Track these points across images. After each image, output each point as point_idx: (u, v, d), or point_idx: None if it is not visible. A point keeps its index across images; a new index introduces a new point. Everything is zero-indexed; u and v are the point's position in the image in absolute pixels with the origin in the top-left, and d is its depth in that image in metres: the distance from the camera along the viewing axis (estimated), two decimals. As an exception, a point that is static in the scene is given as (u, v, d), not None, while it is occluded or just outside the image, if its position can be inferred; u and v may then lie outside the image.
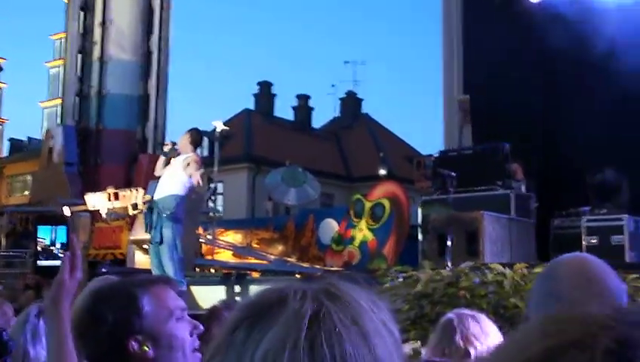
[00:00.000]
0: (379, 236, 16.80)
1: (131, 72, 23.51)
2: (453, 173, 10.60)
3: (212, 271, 15.40)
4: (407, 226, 16.62)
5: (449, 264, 8.33)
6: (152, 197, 9.29)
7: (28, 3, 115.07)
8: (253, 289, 10.06)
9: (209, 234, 18.51)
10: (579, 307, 1.55)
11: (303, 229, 20.08)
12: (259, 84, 39.56)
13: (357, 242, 17.06)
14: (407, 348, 5.87)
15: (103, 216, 18.17)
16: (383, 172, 28.01)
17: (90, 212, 18.38)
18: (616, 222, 10.44)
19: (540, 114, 13.03)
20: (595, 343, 0.61)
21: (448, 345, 2.86)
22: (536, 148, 12.50)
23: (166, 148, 9.51)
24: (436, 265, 8.02)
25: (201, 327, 2.02)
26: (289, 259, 18.18)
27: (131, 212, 16.94)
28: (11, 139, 45.35)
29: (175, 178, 8.92)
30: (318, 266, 16.39)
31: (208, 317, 3.40)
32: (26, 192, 25.96)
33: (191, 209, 10.88)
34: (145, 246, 13.03)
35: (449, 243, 9.73)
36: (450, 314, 3.04)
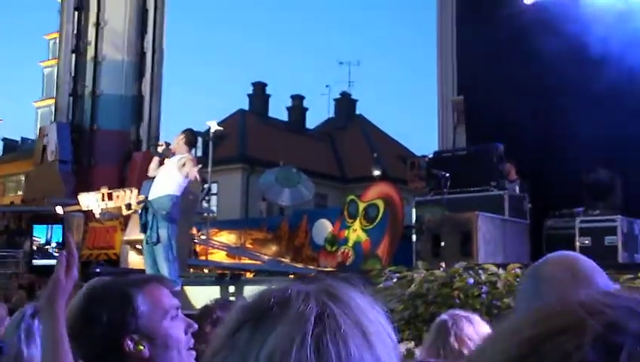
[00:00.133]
0: (373, 236, 16.81)
1: (125, 72, 23.49)
2: (447, 174, 10.63)
3: (206, 271, 15.39)
4: (401, 227, 16.64)
5: (443, 264, 8.33)
6: (147, 197, 9.28)
7: (22, 2, 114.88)
8: (248, 289, 10.05)
9: (203, 235, 18.51)
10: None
11: (297, 230, 20.09)
12: (253, 84, 39.55)
13: (351, 242, 17.07)
14: (402, 348, 5.88)
15: (97, 216, 18.15)
16: (377, 173, 28.02)
17: (84, 212, 18.36)
18: (609, 223, 10.47)
19: (533, 115, 13.06)
20: (583, 328, 0.61)
21: (443, 346, 2.87)
22: (529, 148, 12.52)
23: (160, 149, 9.51)
24: (430, 266, 8.03)
25: (196, 326, 2.02)
26: (283, 259, 18.19)
27: (125, 212, 16.93)
28: (4, 139, 45.23)
29: (170, 178, 8.91)
30: (311, 267, 16.41)
31: (200, 317, 3.41)
32: (20, 192, 25.90)
33: (185, 209, 10.87)
34: (138, 246, 13.01)
35: (443, 243, 9.76)
36: (444, 316, 3.05)
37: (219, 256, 18.53)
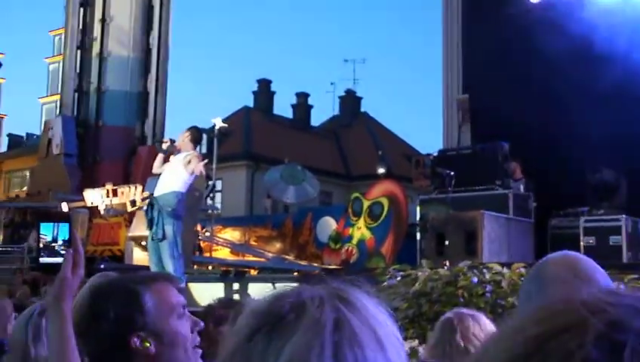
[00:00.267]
0: (377, 234, 16.80)
1: (131, 69, 23.52)
2: (451, 172, 10.62)
3: (210, 268, 15.41)
4: (405, 225, 16.62)
5: (447, 263, 8.33)
6: (152, 193, 9.30)
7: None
8: (252, 286, 10.07)
9: (207, 232, 18.52)
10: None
11: (301, 227, 20.08)
12: (258, 81, 39.54)
13: (355, 240, 17.07)
14: (406, 346, 5.88)
15: (101, 212, 18.19)
16: (381, 170, 27.99)
17: (88, 208, 18.39)
18: (614, 223, 10.46)
19: (539, 113, 13.04)
20: (586, 327, 0.61)
21: (449, 344, 2.87)
22: (534, 147, 12.50)
23: (164, 146, 9.51)
24: (434, 264, 8.03)
25: (202, 324, 2.02)
26: (287, 256, 18.19)
27: (129, 208, 16.96)
28: (10, 135, 45.31)
29: (176, 175, 8.92)
30: (315, 264, 16.40)
31: (204, 316, 3.41)
32: (25, 188, 25.94)
33: (190, 206, 10.89)
34: (143, 242, 13.04)
35: (447, 242, 9.76)
36: (449, 314, 3.05)
37: (223, 253, 18.54)
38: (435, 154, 12.54)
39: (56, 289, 1.97)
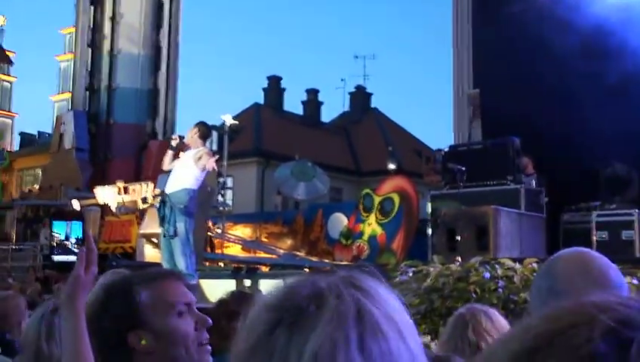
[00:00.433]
0: (388, 230, 16.80)
1: (141, 66, 23.57)
2: (462, 168, 10.59)
3: (221, 264, 15.44)
4: (416, 221, 16.61)
5: (459, 259, 8.32)
6: (164, 190, 9.30)
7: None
8: (264, 283, 10.08)
9: (218, 228, 18.56)
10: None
11: (312, 223, 20.09)
12: (268, 78, 39.55)
13: (366, 236, 17.07)
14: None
15: (113, 209, 18.25)
16: (392, 166, 27.97)
17: (100, 206, 18.46)
18: (626, 217, 10.42)
19: (550, 108, 12.99)
20: (595, 323, 0.62)
21: (461, 339, 2.87)
22: (546, 142, 12.45)
23: (174, 143, 9.51)
24: (446, 260, 8.02)
25: (209, 321, 2.01)
26: (298, 253, 18.20)
27: (141, 206, 17.01)
28: (22, 133, 45.53)
29: (187, 171, 8.92)
30: (326, 260, 16.41)
31: (216, 310, 3.42)
32: (37, 186, 26.05)
33: (202, 202, 10.90)
34: (154, 239, 13.08)
35: (458, 237, 9.74)
36: (462, 309, 3.05)
37: (234, 250, 18.58)
38: (446, 149, 12.51)
39: (70, 287, 1.97)
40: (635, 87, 11.65)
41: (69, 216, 14.35)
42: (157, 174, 14.64)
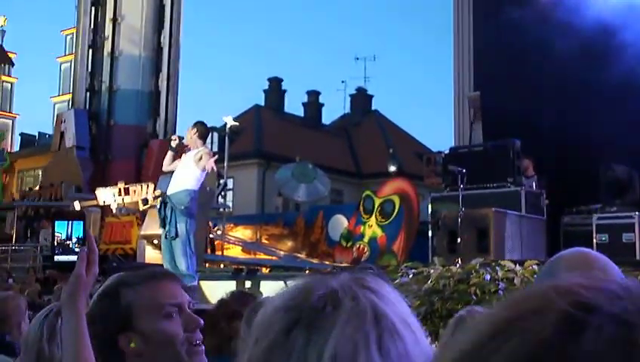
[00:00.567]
0: (388, 232, 16.80)
1: (142, 68, 23.57)
2: (463, 170, 10.58)
3: (222, 266, 15.44)
4: (416, 223, 16.61)
5: (459, 260, 8.33)
6: (165, 191, 9.30)
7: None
8: (264, 285, 10.08)
9: (219, 230, 18.56)
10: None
11: (313, 225, 20.10)
12: (269, 79, 39.55)
13: (366, 238, 17.07)
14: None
15: (114, 210, 18.26)
16: (392, 168, 28.00)
17: (101, 207, 18.47)
18: (627, 220, 10.41)
19: (550, 110, 12.99)
20: (551, 308, 0.61)
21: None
22: (547, 144, 12.45)
23: (173, 143, 9.51)
24: (446, 262, 8.02)
25: (201, 322, 2.00)
26: (298, 254, 18.20)
27: (142, 207, 17.00)
28: (22, 134, 45.49)
29: (188, 172, 8.92)
30: (327, 262, 16.41)
31: (216, 311, 3.41)
32: (37, 188, 26.06)
33: (201, 203, 10.90)
34: (155, 241, 13.08)
35: (459, 239, 9.73)
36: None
37: (234, 251, 18.58)
38: (447, 151, 12.50)
39: (71, 287, 1.97)
40: (635, 89, 11.65)
41: (71, 215, 14.34)
42: (157, 173, 14.63)
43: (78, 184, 21.79)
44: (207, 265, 14.58)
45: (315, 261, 16.82)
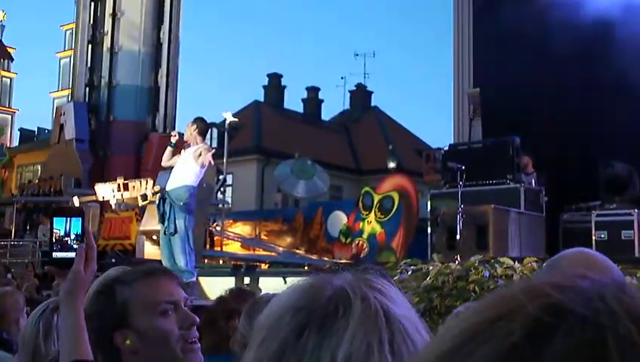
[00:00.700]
0: (387, 229, 16.81)
1: (141, 63, 23.55)
2: (462, 167, 10.58)
3: (221, 262, 15.45)
4: (415, 219, 16.62)
5: (458, 257, 8.32)
6: (164, 187, 9.30)
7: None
8: (263, 281, 10.08)
9: (218, 226, 18.56)
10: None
11: (312, 221, 20.12)
12: (268, 75, 39.55)
13: (366, 235, 17.08)
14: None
15: (113, 206, 18.25)
16: (392, 165, 27.99)
17: (100, 202, 18.46)
18: (626, 217, 10.40)
19: (550, 107, 12.99)
20: (519, 312, 0.59)
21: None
22: (546, 141, 12.45)
23: (173, 139, 9.49)
24: (445, 259, 8.02)
25: (197, 319, 2.00)
26: (297, 251, 18.23)
27: (141, 203, 17.00)
28: (21, 129, 45.46)
29: (187, 168, 8.91)
30: (326, 258, 16.43)
31: (215, 309, 3.40)
32: (36, 181, 26.06)
33: (200, 199, 10.90)
34: (154, 236, 13.07)
35: (458, 236, 9.74)
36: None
37: (234, 247, 18.59)
38: (446, 148, 12.49)
39: (69, 283, 1.97)
40: (634, 86, 11.64)
41: (69, 212, 14.34)
42: (157, 168, 14.62)
43: (77, 177, 21.80)
44: (206, 261, 14.59)
45: (314, 257, 16.84)
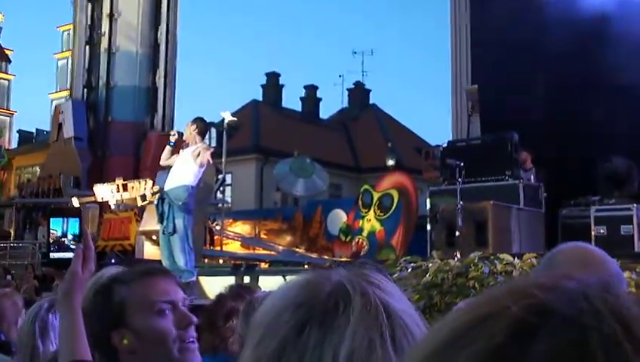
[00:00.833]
0: (387, 226, 16.81)
1: (139, 64, 23.55)
2: (461, 163, 10.56)
3: (220, 261, 15.44)
4: (415, 217, 16.63)
5: (458, 254, 8.32)
6: (163, 187, 9.29)
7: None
8: (263, 280, 10.07)
9: (218, 225, 18.56)
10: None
11: (311, 220, 20.11)
12: (267, 74, 39.53)
13: (365, 232, 17.08)
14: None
15: (112, 207, 18.26)
16: (391, 162, 27.98)
17: (99, 203, 18.47)
18: (625, 212, 10.39)
19: (548, 103, 12.99)
20: (503, 313, 0.60)
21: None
22: (545, 137, 12.45)
23: (172, 138, 9.49)
24: (445, 256, 8.02)
25: (194, 319, 1.99)
26: (297, 249, 18.23)
27: (140, 203, 17.01)
28: (20, 131, 45.46)
29: (186, 168, 8.91)
30: (326, 257, 16.43)
31: (214, 308, 3.39)
32: (36, 179, 26.08)
33: (199, 199, 10.90)
34: (154, 237, 13.07)
35: (457, 233, 9.73)
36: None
37: (233, 247, 18.59)
38: (445, 145, 12.47)
39: (66, 284, 1.97)
40: (633, 81, 11.63)
41: (67, 212, 14.36)
42: (155, 168, 14.62)
43: (76, 175, 21.82)
44: (205, 260, 14.58)
45: (314, 255, 16.84)
